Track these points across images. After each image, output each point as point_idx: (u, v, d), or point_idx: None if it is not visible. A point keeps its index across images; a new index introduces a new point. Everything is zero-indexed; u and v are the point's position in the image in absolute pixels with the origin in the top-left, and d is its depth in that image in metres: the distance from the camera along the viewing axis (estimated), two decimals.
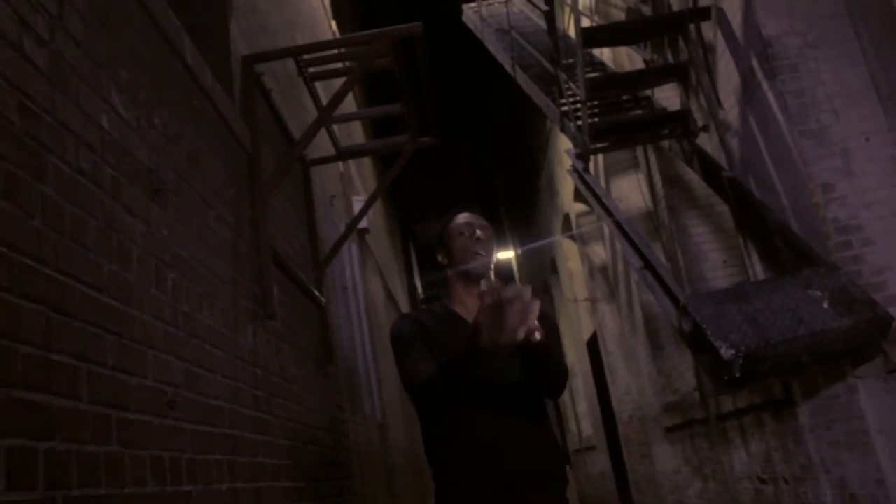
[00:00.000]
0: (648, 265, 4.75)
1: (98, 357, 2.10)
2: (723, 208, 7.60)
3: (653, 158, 7.65)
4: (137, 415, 2.29)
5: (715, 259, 7.24)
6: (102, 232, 2.26)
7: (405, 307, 15.82)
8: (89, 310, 2.10)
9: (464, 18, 10.21)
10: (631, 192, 8.78)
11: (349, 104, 9.12)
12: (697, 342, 4.09)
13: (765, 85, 4.87)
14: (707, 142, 6.07)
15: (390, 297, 12.52)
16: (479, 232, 2.61)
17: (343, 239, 6.08)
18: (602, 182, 9.31)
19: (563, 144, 11.80)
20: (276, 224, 4.65)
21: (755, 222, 5.12)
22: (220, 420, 3.01)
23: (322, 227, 6.25)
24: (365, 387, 7.20)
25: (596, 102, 6.33)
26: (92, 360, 2.07)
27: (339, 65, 5.73)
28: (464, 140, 25.79)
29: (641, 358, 9.04)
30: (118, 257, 2.34)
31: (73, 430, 1.91)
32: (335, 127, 6.03)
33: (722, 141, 5.73)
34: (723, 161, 5.68)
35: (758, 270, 5.46)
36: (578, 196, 11.73)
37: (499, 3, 9.85)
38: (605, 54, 8.07)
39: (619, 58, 7.88)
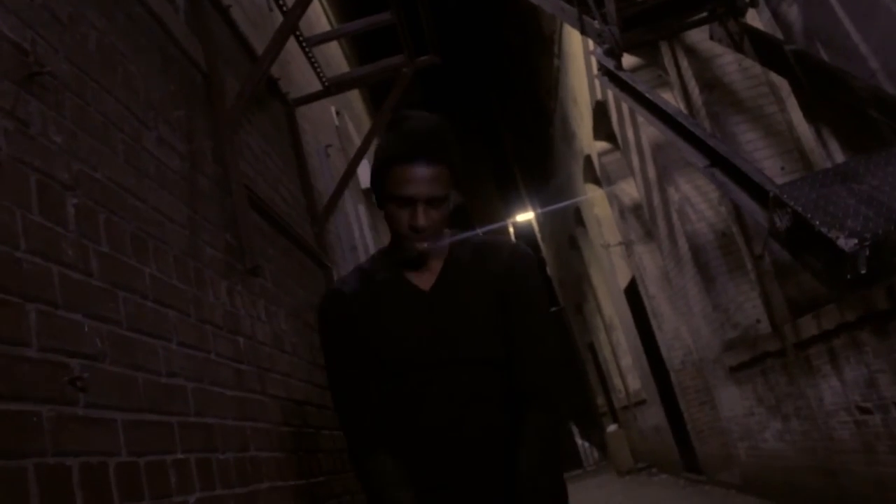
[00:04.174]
0: (719, 160, 3.80)
1: None
2: (773, 108, 6.66)
3: (685, 64, 6.69)
4: (8, 404, 1.40)
5: (771, 166, 6.27)
6: None
7: None
8: None
9: None
10: None
11: (324, 28, 8.19)
12: (800, 239, 3.16)
13: None
14: (757, 21, 5.14)
15: None
16: (421, 214, 1.87)
17: (341, 189, 5.17)
18: (626, 113, 8.34)
19: (575, 78, 10.84)
20: (253, 166, 3.77)
21: (836, 98, 4.18)
22: (180, 404, 2.12)
23: (318, 179, 5.35)
24: None
25: None
26: None
27: None
28: (469, 107, 24.98)
29: (692, 296, 8.10)
30: None
31: None
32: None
33: (775, 14, 4.79)
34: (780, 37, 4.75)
35: (839, 160, 4.53)
36: (599, 133, 10.76)
37: None
38: None
39: None
